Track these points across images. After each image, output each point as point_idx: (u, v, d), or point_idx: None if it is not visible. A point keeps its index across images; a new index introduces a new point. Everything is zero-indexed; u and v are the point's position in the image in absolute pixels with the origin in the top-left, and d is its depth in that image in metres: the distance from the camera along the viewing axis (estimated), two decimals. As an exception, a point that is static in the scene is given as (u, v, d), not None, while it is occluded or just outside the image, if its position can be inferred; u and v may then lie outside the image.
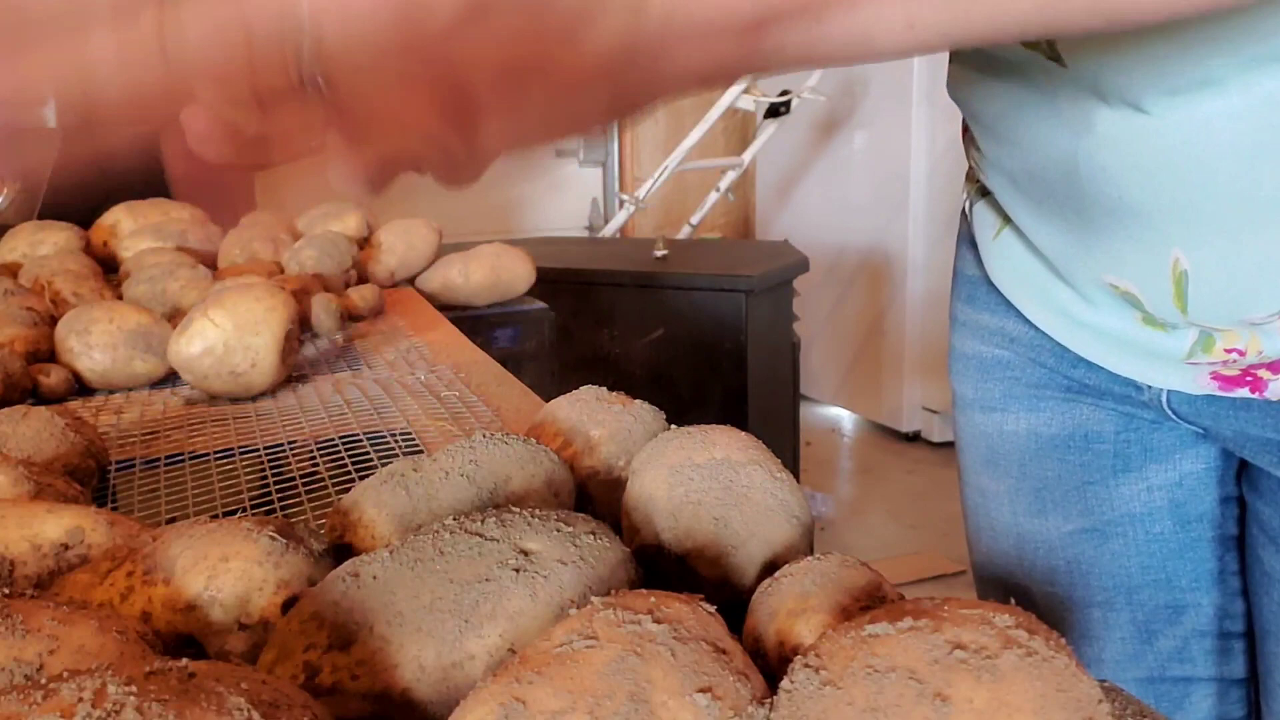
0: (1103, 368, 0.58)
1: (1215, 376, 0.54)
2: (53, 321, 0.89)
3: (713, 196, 3.23)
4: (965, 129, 0.62)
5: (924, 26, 0.31)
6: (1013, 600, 0.59)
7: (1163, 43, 0.42)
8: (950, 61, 0.57)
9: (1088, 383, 0.61)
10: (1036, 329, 0.61)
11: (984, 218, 0.63)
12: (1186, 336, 0.53)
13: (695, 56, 0.32)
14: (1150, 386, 0.57)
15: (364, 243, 1.34)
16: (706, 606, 0.33)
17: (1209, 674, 0.64)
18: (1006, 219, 0.61)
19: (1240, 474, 0.62)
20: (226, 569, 0.38)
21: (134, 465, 0.68)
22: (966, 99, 0.56)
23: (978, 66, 0.53)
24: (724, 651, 0.31)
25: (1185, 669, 0.64)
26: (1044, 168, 0.51)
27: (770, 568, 0.41)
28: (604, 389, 0.57)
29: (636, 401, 0.56)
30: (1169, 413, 0.58)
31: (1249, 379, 0.53)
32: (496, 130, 0.33)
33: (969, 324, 0.67)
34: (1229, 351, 0.52)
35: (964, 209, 0.66)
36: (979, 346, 0.66)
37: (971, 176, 0.65)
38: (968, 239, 0.66)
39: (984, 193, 0.63)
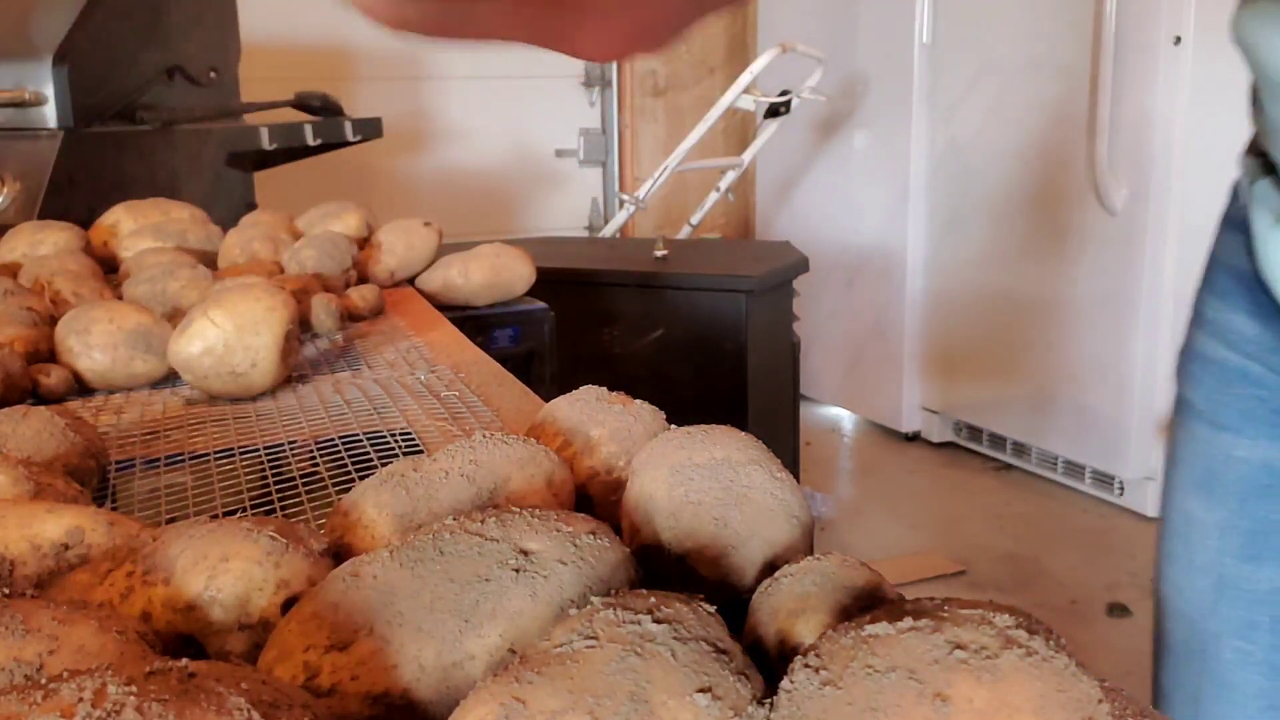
0: None
1: None
2: (53, 321, 0.89)
3: (713, 196, 3.23)
4: (1254, 90, 0.52)
5: None
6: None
7: None
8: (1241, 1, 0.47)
9: None
10: None
11: (1266, 199, 0.52)
12: None
13: None
14: None
15: (364, 243, 1.34)
16: (706, 606, 0.33)
17: None
18: None
19: None
20: (226, 569, 0.38)
21: (134, 465, 0.68)
22: (1255, 46, 0.47)
23: (1271, 4, 0.45)
24: (724, 651, 0.31)
25: None
26: None
27: (770, 568, 0.41)
28: (604, 389, 0.57)
29: (636, 401, 0.56)
30: None
31: None
32: None
33: (1216, 323, 0.57)
34: None
35: (1236, 186, 0.56)
36: (1223, 351, 0.56)
37: (1255, 148, 0.54)
38: (1237, 223, 0.56)
39: (1269, 169, 0.53)
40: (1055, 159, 2.59)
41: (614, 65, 3.68)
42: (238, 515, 0.46)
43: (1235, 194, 0.57)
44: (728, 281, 2.16)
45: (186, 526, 0.41)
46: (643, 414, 0.54)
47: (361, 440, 0.72)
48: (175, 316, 0.94)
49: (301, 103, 1.82)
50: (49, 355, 0.85)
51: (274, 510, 0.60)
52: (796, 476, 0.62)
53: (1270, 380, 0.54)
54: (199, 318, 0.79)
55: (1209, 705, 0.59)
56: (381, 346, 1.00)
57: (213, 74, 1.75)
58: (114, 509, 0.61)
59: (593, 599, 0.32)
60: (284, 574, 0.39)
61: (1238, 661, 0.58)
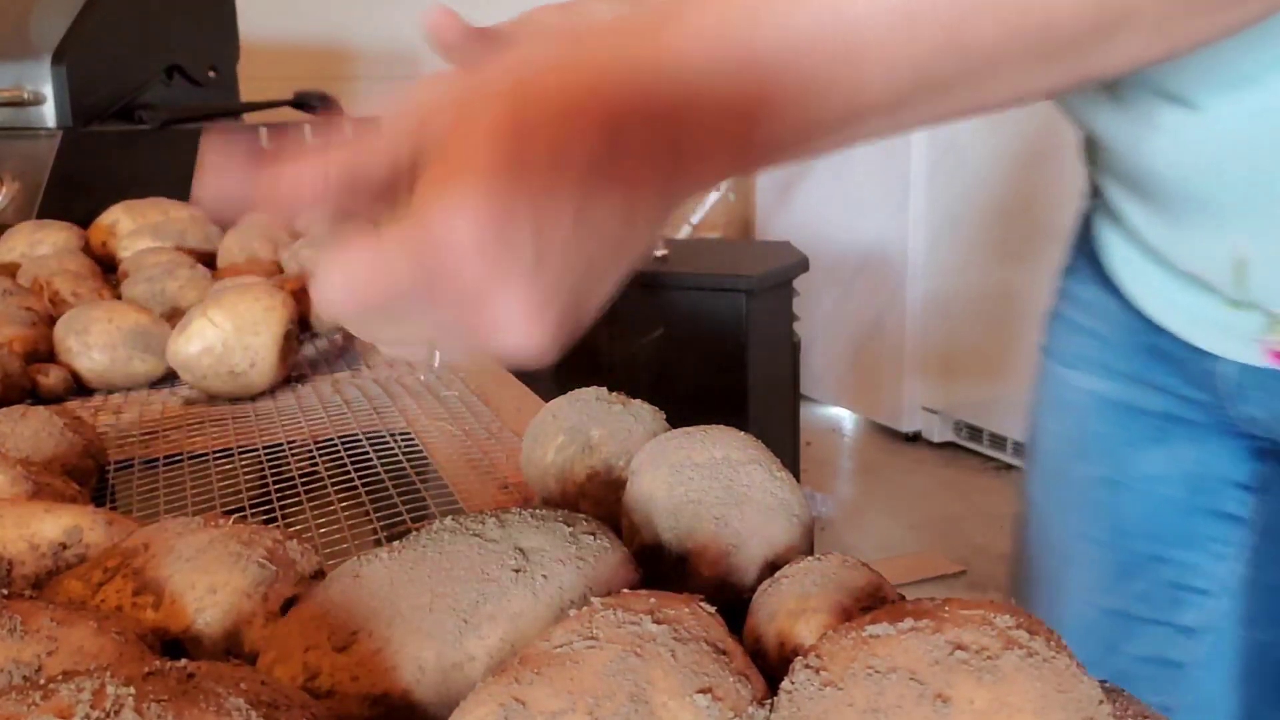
0: (1183, 340, 0.63)
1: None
2: (51, 321, 0.88)
3: (713, 196, 3.23)
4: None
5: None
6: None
7: None
8: None
9: (1166, 349, 0.65)
10: (1131, 308, 0.66)
11: (1100, 210, 0.67)
12: (1256, 317, 0.57)
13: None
14: (1224, 358, 0.60)
15: (363, 242, 1.34)
16: (706, 607, 0.33)
17: (1164, 619, 0.71)
18: (1117, 216, 0.65)
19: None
20: (214, 602, 0.38)
21: (133, 465, 0.68)
22: (1069, 109, 0.59)
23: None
24: (724, 652, 0.31)
25: (1146, 610, 0.71)
26: (1130, 166, 0.57)
27: (771, 567, 0.41)
28: (604, 389, 0.57)
29: (636, 401, 0.56)
30: (1233, 389, 0.61)
31: None
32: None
33: (1068, 290, 0.74)
34: None
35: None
36: (1070, 311, 0.73)
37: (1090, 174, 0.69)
38: (1087, 218, 0.72)
39: (1097, 191, 0.67)
40: (1055, 159, 2.59)
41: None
42: (234, 520, 0.46)
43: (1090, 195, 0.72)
44: (728, 281, 2.16)
45: (177, 535, 0.40)
46: (643, 414, 0.54)
47: (361, 440, 0.72)
48: (174, 316, 0.94)
49: (301, 102, 1.81)
50: (48, 355, 0.85)
51: (273, 511, 0.60)
52: (796, 476, 0.62)
53: (1099, 331, 0.70)
54: (198, 317, 0.79)
55: (1052, 574, 0.75)
56: (381, 346, 1.00)
57: (212, 74, 1.74)
58: (113, 509, 0.61)
59: (593, 599, 0.32)
60: (273, 605, 0.38)
61: (1061, 539, 0.74)
